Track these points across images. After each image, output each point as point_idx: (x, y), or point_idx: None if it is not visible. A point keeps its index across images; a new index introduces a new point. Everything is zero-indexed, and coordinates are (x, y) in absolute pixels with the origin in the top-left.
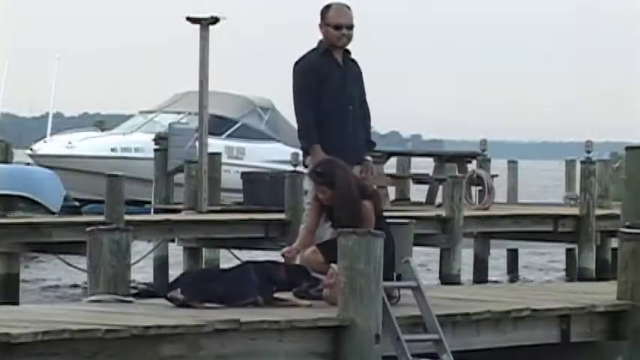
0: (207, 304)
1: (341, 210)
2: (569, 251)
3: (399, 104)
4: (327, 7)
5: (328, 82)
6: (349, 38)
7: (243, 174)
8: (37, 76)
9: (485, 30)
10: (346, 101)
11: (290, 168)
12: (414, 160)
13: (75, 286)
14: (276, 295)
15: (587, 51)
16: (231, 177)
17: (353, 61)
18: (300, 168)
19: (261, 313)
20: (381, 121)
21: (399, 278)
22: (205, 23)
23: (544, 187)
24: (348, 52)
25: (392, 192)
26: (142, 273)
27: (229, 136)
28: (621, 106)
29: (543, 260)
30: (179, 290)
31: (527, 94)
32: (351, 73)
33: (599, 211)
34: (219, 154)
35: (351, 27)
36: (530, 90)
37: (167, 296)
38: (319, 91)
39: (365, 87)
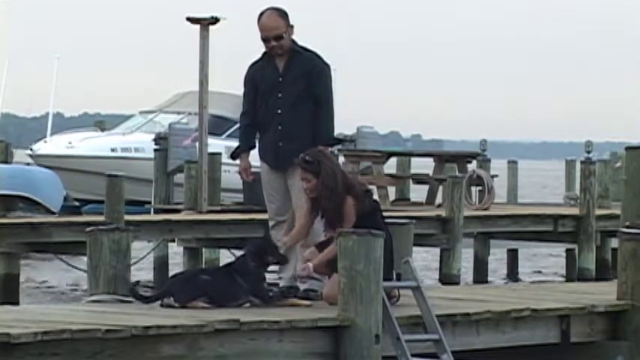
0: (202, 304)
1: (325, 200)
2: (569, 251)
3: (399, 104)
4: (258, 18)
5: (261, 88)
6: (282, 46)
7: None
8: (37, 76)
9: (486, 30)
10: (275, 106)
11: None
12: (414, 160)
13: (75, 286)
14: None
15: (587, 51)
16: (231, 177)
17: (309, 59)
18: None
19: (261, 313)
20: (381, 121)
21: (398, 278)
22: (205, 23)
23: (544, 187)
24: (301, 52)
25: (392, 192)
26: (143, 273)
27: (229, 136)
28: (621, 106)
29: (543, 260)
30: (172, 299)
31: (528, 94)
32: (292, 77)
33: (599, 211)
34: (219, 154)
35: (278, 37)
36: (531, 90)
37: (161, 305)
38: (256, 96)
39: (322, 82)
